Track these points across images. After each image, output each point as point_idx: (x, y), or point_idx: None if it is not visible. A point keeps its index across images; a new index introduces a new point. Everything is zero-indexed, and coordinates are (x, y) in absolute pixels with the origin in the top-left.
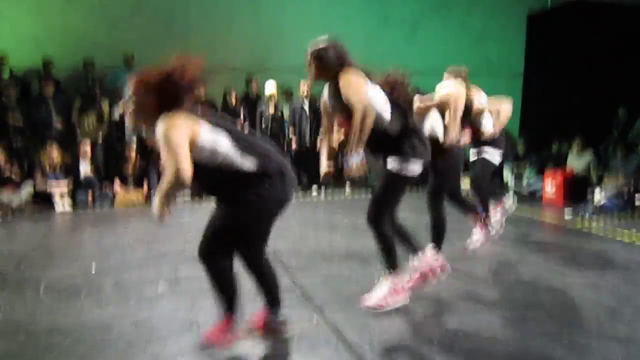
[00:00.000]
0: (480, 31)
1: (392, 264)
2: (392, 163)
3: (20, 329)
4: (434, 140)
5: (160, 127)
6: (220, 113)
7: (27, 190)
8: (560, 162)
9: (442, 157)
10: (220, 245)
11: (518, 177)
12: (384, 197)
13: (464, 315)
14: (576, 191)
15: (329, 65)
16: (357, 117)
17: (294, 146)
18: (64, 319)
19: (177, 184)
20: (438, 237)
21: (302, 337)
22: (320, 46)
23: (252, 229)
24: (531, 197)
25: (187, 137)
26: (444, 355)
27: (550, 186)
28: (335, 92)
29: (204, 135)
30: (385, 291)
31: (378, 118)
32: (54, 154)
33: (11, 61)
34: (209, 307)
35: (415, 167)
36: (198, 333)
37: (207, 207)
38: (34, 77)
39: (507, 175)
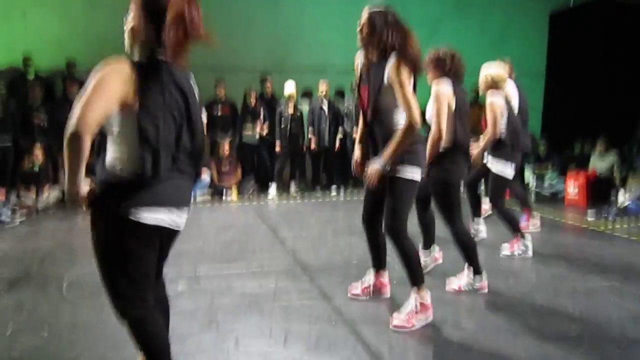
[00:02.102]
0: (501, 30)
1: (417, 278)
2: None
3: (43, 325)
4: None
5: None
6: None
7: (54, 194)
8: (583, 162)
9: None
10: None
11: (539, 178)
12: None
13: (484, 317)
14: (599, 192)
15: (379, 36)
16: (404, 130)
17: (312, 146)
18: (86, 317)
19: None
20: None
21: (320, 337)
22: (377, 10)
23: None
24: (553, 198)
25: (120, 89)
26: (462, 358)
27: (572, 187)
28: (378, 71)
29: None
30: (412, 310)
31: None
32: None
33: (36, 63)
34: (228, 306)
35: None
36: (217, 331)
37: (226, 207)
38: (58, 78)
39: (529, 176)
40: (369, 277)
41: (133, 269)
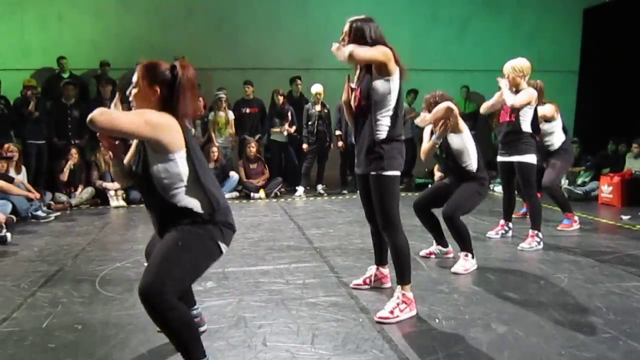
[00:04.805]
0: (533, 27)
1: (406, 276)
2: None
3: (77, 321)
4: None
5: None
6: (269, 112)
7: (88, 192)
8: (617, 162)
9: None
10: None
11: (572, 178)
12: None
13: (515, 318)
14: (634, 192)
15: (364, 40)
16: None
17: (340, 144)
18: (118, 312)
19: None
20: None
21: (348, 336)
22: (360, 18)
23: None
24: (586, 198)
25: (162, 132)
26: (493, 359)
27: (606, 186)
28: (367, 69)
29: (180, 154)
30: (396, 303)
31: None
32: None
33: (71, 64)
34: (256, 303)
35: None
36: (246, 328)
37: (254, 206)
38: (92, 78)
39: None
40: (371, 269)
41: (195, 276)
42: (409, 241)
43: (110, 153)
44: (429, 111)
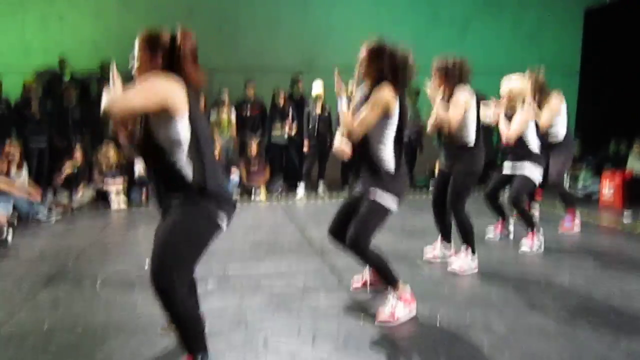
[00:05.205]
0: (534, 28)
1: (392, 280)
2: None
3: (78, 322)
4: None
5: (154, 76)
6: (269, 112)
7: (89, 193)
8: (619, 162)
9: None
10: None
11: (573, 179)
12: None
13: (515, 319)
14: (635, 193)
15: (380, 67)
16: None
17: None
18: (119, 313)
19: (107, 112)
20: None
21: (348, 337)
22: (375, 44)
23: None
24: (587, 200)
25: (167, 97)
26: None
27: (607, 188)
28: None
29: (184, 118)
30: (393, 305)
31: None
32: (111, 153)
33: (72, 64)
34: (257, 305)
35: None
36: (246, 330)
37: (254, 207)
38: (93, 79)
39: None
40: (366, 271)
41: (197, 254)
42: (408, 242)
43: (126, 139)
44: (439, 78)
